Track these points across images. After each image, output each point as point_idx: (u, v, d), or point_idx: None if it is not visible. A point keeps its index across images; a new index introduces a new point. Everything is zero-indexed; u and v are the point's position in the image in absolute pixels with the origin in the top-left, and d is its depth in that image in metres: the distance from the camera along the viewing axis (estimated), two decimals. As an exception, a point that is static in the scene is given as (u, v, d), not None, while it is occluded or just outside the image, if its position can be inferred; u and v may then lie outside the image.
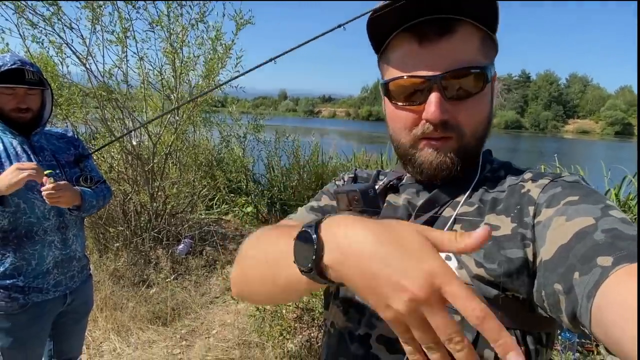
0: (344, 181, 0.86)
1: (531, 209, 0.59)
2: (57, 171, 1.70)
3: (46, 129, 1.81)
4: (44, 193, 1.52)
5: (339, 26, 0.73)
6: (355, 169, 0.89)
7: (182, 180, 4.48)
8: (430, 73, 0.60)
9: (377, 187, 0.74)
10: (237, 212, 5.76)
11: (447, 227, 0.63)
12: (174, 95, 4.01)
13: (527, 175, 0.65)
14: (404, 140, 0.68)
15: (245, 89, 4.63)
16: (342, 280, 0.44)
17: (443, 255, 0.57)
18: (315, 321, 2.84)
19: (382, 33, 0.66)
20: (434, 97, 0.61)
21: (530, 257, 0.56)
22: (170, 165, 4.61)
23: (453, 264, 0.60)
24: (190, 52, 4.11)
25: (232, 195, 6.01)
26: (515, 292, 0.56)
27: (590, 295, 0.43)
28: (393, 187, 0.75)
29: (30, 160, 1.67)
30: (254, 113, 6.11)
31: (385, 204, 0.73)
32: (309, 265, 0.46)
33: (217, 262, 4.13)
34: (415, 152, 0.67)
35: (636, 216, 3.46)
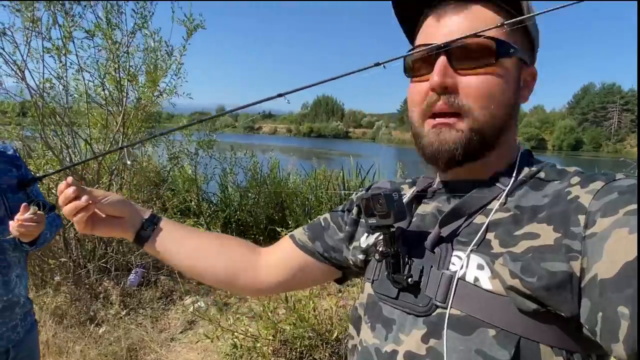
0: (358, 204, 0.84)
1: (581, 218, 0.52)
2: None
3: (-21, 147, 1.47)
4: (19, 223, 1.19)
5: (378, 64, 0.62)
6: (370, 186, 0.88)
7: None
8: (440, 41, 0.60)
9: (405, 197, 0.72)
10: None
11: (479, 235, 0.59)
12: (120, 107, 3.62)
13: (575, 179, 0.58)
14: (414, 118, 0.67)
15: (182, 104, 4.40)
16: None
17: (475, 263, 0.57)
18: (294, 352, 2.62)
19: (410, 17, 0.68)
20: (439, 61, 0.60)
21: (577, 272, 0.50)
22: (115, 186, 4.16)
23: (486, 273, 0.56)
24: (132, 60, 3.75)
25: (181, 216, 5.58)
26: (556, 308, 0.51)
27: None
28: (421, 197, 0.73)
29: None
30: (204, 128, 5.75)
31: (414, 217, 0.71)
32: None
33: (174, 293, 3.75)
34: (422, 131, 0.65)
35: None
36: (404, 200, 0.68)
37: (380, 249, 0.65)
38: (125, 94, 3.60)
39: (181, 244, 0.87)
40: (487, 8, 0.61)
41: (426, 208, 0.71)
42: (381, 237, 0.65)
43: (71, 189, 0.77)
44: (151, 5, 3.58)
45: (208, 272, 0.88)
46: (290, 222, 4.87)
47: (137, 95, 3.81)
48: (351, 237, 0.82)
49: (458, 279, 0.58)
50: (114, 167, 3.78)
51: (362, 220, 0.82)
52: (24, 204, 1.22)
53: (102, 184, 3.68)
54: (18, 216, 1.24)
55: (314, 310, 2.78)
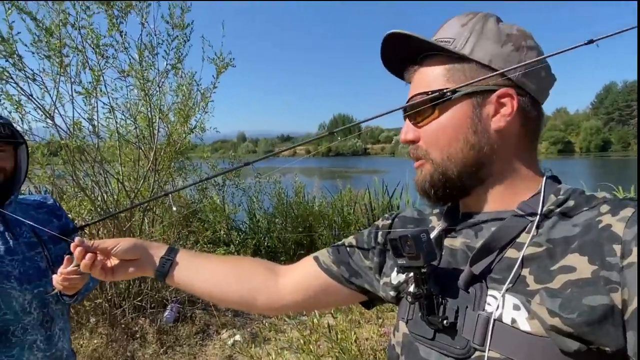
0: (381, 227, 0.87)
1: (617, 248, 0.51)
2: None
3: (20, 196, 1.46)
4: (63, 277, 1.15)
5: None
6: (397, 214, 0.88)
7: (162, 238, 4.05)
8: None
9: (434, 232, 0.73)
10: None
11: (513, 272, 0.58)
12: (152, 144, 3.65)
13: (604, 207, 0.57)
14: None
15: (205, 134, 4.52)
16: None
17: (511, 304, 0.57)
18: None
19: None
20: (405, 123, 0.73)
21: (619, 304, 0.49)
22: (147, 222, 4.17)
23: (523, 314, 0.56)
24: (164, 99, 3.84)
25: (212, 246, 5.55)
26: (600, 344, 0.50)
27: None
28: (449, 230, 0.73)
29: (2, 238, 1.31)
30: (230, 158, 5.79)
31: (443, 250, 0.71)
32: None
33: (211, 327, 3.67)
34: None
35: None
36: (432, 235, 0.70)
37: (412, 291, 0.65)
38: (156, 131, 3.64)
39: (198, 273, 0.92)
40: (433, 64, 0.69)
41: (454, 242, 0.70)
42: (411, 276, 0.65)
43: (77, 251, 0.88)
44: (184, 47, 3.66)
45: (226, 295, 0.91)
46: (318, 246, 4.77)
47: (167, 132, 3.86)
48: (380, 268, 0.82)
49: (495, 320, 0.57)
50: (146, 205, 3.79)
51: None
52: (67, 256, 1.17)
53: (134, 223, 3.69)
54: (61, 269, 1.20)
55: (356, 342, 2.66)
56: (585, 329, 0.50)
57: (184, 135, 3.94)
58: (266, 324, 3.62)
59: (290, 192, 5.75)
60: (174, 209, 3.44)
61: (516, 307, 0.56)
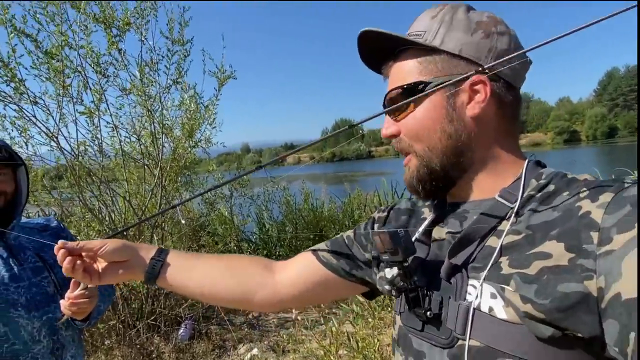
0: (377, 219, 0.89)
1: (594, 235, 0.51)
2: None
3: (22, 220, 1.41)
4: (71, 302, 1.11)
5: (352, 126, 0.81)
6: (392, 206, 0.89)
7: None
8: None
9: (423, 224, 0.74)
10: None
11: (492, 259, 0.59)
12: (158, 161, 3.61)
13: (584, 193, 0.56)
14: None
15: (211, 148, 4.54)
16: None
17: (488, 292, 0.58)
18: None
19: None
20: (385, 118, 0.73)
21: (594, 292, 0.48)
22: (156, 238, 4.13)
23: (499, 302, 0.56)
24: (167, 114, 3.82)
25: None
26: (573, 330, 0.50)
27: None
28: (438, 221, 0.74)
29: (6, 265, 1.25)
30: (237, 169, 5.75)
31: (432, 241, 0.72)
32: None
33: (227, 342, 3.60)
34: None
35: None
36: (422, 227, 0.74)
37: (397, 285, 0.66)
38: (161, 147, 3.61)
39: (191, 273, 0.89)
40: (407, 58, 0.70)
41: (441, 233, 0.71)
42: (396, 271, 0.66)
43: (60, 253, 0.83)
44: (185, 62, 3.64)
45: (221, 294, 0.89)
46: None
47: (172, 147, 3.83)
48: (378, 262, 0.83)
49: (474, 309, 0.58)
50: (154, 221, 3.75)
51: None
52: (73, 280, 1.12)
53: (144, 239, 3.65)
54: (68, 294, 1.14)
55: (379, 349, 2.57)
56: (556, 315, 0.50)
57: (189, 149, 3.90)
58: (284, 335, 3.53)
59: (299, 198, 5.69)
60: (183, 221, 3.39)
61: (493, 296, 0.57)
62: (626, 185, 0.53)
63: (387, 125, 0.73)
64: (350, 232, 0.91)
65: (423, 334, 0.66)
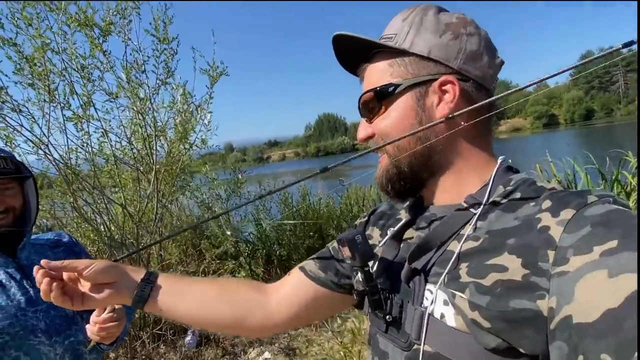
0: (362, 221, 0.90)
1: (550, 253, 0.50)
2: None
3: (32, 237, 1.30)
4: (99, 326, 1.01)
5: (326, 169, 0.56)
6: (373, 211, 0.90)
7: (177, 262, 3.87)
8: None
9: (397, 225, 0.76)
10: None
11: (449, 265, 0.58)
12: (151, 164, 3.47)
13: (546, 204, 0.55)
14: None
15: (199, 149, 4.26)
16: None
17: (442, 299, 0.58)
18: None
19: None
20: (361, 121, 0.75)
21: (545, 312, 0.48)
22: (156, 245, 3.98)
23: (450, 309, 0.56)
24: (158, 116, 3.66)
25: (219, 261, 5.36)
26: (515, 344, 0.49)
27: None
28: (411, 223, 0.74)
29: (21, 288, 1.15)
30: (230, 167, 5.60)
31: (402, 244, 0.73)
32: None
33: (236, 347, 3.50)
34: None
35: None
36: (395, 228, 0.75)
37: (357, 289, 0.68)
38: (155, 150, 3.46)
39: (182, 297, 0.86)
40: (379, 60, 0.70)
41: (412, 235, 0.72)
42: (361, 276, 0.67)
43: (39, 274, 0.78)
44: (172, 61, 3.48)
45: (213, 320, 0.87)
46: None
47: (166, 150, 3.69)
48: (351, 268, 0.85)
49: (429, 315, 0.59)
50: (151, 229, 3.61)
51: None
52: None
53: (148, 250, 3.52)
54: (94, 318, 1.04)
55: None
56: (501, 324, 0.50)
57: (184, 151, 3.77)
58: (296, 336, 3.46)
59: (296, 196, 5.60)
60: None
61: (445, 303, 0.57)
62: (589, 201, 0.52)
63: (361, 129, 0.74)
64: (335, 242, 0.90)
65: (387, 335, 0.66)
